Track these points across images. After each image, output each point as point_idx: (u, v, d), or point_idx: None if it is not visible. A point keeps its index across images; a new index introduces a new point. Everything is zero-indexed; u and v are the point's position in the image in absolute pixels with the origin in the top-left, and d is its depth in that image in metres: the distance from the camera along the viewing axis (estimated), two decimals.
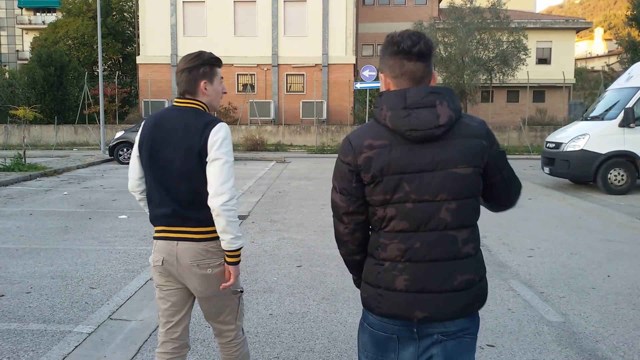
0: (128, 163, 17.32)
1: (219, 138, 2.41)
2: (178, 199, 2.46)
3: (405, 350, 1.87)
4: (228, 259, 2.48)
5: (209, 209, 2.42)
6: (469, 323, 1.87)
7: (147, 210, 2.64)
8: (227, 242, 2.42)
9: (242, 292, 2.70)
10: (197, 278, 2.50)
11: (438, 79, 28.69)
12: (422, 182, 1.79)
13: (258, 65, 28.54)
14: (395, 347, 1.87)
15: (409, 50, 1.79)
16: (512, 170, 1.98)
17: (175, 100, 2.56)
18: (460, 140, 1.80)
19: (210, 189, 2.39)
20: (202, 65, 2.50)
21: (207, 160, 2.41)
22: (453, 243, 1.81)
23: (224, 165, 2.40)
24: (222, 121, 2.48)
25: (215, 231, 2.46)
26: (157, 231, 2.56)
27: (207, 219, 2.45)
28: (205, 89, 2.51)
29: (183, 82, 2.51)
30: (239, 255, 2.48)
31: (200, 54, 2.53)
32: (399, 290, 1.82)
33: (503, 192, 1.95)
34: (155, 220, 2.56)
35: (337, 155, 1.95)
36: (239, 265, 2.51)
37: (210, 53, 2.56)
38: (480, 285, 1.88)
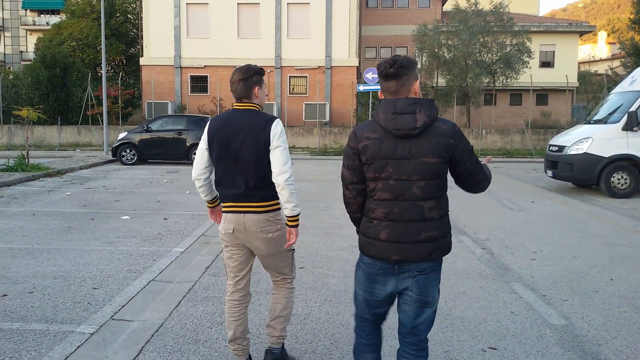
0: (131, 164, 17.35)
1: (278, 131, 3.09)
2: (246, 182, 3.10)
3: (389, 281, 2.58)
4: (290, 223, 3.14)
5: (269, 188, 3.11)
6: (434, 264, 2.57)
7: (204, 195, 3.35)
8: (289, 209, 3.10)
9: (293, 250, 3.44)
10: (260, 241, 3.19)
11: (441, 80, 28.83)
12: (401, 166, 2.47)
13: (261, 67, 28.52)
14: (381, 279, 2.59)
15: (381, 73, 2.52)
16: (479, 163, 2.62)
17: (235, 104, 3.18)
18: (431, 139, 2.45)
19: (275, 169, 3.06)
20: (254, 75, 3.15)
21: (270, 148, 3.06)
22: (421, 210, 2.50)
23: (283, 151, 3.08)
24: (278, 118, 3.15)
25: (273, 204, 3.18)
26: (226, 206, 3.21)
27: (267, 196, 3.14)
28: (257, 93, 3.17)
29: (240, 89, 3.14)
30: (298, 220, 3.14)
31: (251, 66, 3.18)
32: (382, 240, 2.54)
33: (466, 178, 2.61)
34: (225, 198, 3.21)
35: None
36: (298, 228, 3.17)
37: (257, 65, 3.23)
38: (443, 240, 2.56)
